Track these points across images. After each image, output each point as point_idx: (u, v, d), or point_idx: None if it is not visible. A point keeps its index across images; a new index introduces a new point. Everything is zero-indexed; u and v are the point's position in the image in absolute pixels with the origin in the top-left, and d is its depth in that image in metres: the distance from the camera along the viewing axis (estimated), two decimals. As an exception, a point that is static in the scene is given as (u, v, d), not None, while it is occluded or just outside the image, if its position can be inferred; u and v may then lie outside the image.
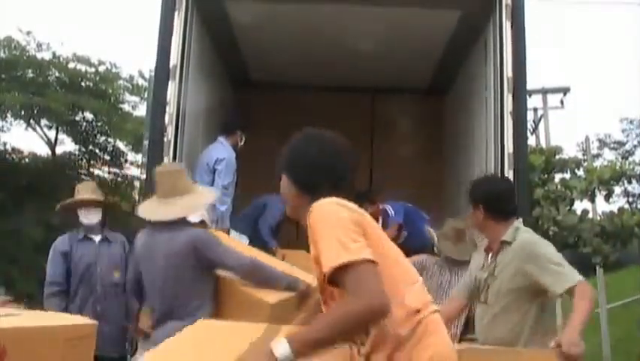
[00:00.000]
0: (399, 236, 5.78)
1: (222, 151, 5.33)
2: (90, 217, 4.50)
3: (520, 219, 3.41)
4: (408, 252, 5.68)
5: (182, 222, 3.53)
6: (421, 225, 5.73)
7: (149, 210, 3.57)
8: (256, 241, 5.50)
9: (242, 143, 5.56)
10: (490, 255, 3.30)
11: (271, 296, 3.40)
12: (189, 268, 3.43)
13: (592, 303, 2.95)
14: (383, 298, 1.79)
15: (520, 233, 3.22)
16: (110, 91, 16.14)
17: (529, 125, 13.57)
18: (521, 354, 2.86)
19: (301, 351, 1.75)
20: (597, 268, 11.30)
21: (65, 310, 4.23)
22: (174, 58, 4.93)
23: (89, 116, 16.31)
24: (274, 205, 5.72)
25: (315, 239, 1.93)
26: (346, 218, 1.93)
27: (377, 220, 5.80)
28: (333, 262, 1.83)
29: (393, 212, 5.93)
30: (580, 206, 9.76)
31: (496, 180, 3.93)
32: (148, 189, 5.10)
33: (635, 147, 25.24)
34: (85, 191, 4.61)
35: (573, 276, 3.00)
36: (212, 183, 5.18)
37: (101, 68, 16.00)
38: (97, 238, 4.53)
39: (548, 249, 3.13)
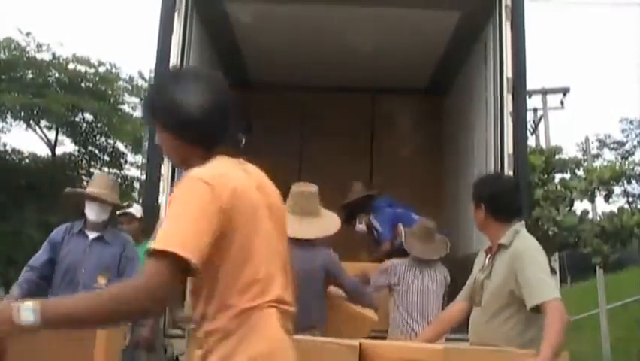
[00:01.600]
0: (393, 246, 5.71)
1: None
2: (97, 214, 4.05)
3: (523, 222, 3.31)
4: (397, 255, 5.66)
5: (314, 241, 3.77)
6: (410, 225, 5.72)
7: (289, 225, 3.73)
8: None
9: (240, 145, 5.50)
10: (488, 256, 3.23)
11: (372, 313, 4.01)
12: (319, 284, 3.75)
13: (564, 323, 2.84)
14: (157, 295, 1.62)
15: (518, 238, 3.14)
16: (110, 92, 16.16)
17: (529, 125, 13.57)
18: (506, 354, 2.84)
19: (52, 320, 1.57)
20: (597, 268, 11.29)
21: (28, 294, 3.77)
22: (174, 58, 4.93)
23: (88, 117, 16.32)
24: None
25: (168, 210, 1.75)
26: (206, 204, 1.71)
27: (371, 231, 5.80)
28: (155, 243, 1.66)
29: (379, 226, 5.72)
30: (580, 206, 9.76)
31: (500, 179, 3.80)
32: (148, 189, 5.11)
33: (634, 147, 25.26)
34: (99, 184, 4.16)
35: (549, 292, 2.91)
36: None
37: (101, 69, 16.02)
38: (91, 236, 4.06)
39: (536, 259, 3.04)
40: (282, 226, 1.97)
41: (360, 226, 5.83)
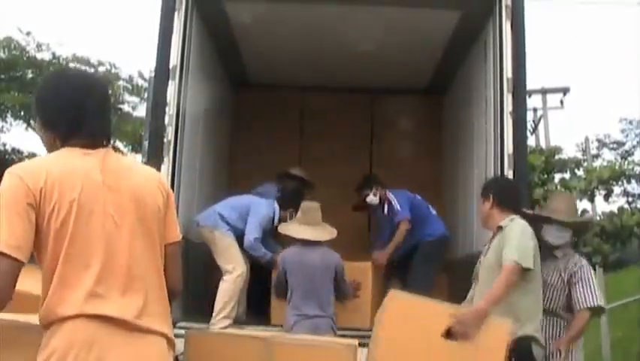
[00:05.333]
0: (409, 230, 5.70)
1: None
2: None
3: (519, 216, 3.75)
4: (413, 245, 5.76)
5: (326, 242, 4.82)
6: (426, 215, 5.78)
7: (303, 232, 4.79)
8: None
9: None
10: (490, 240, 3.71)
11: None
12: (331, 279, 4.73)
13: (506, 282, 3.28)
14: None
15: (513, 221, 3.61)
16: (110, 92, 16.18)
17: (529, 125, 13.58)
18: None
19: None
20: (597, 268, 11.30)
21: None
22: (174, 58, 4.93)
23: (88, 116, 16.32)
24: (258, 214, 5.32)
25: None
26: (19, 198, 1.84)
27: (382, 205, 5.81)
28: None
29: (397, 202, 5.75)
30: (579, 206, 9.77)
31: (509, 179, 4.51)
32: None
33: (634, 147, 25.23)
34: None
35: (511, 256, 3.35)
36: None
37: (101, 69, 16.04)
38: None
39: (517, 233, 3.49)
40: (136, 221, 2.01)
41: (374, 198, 5.84)
